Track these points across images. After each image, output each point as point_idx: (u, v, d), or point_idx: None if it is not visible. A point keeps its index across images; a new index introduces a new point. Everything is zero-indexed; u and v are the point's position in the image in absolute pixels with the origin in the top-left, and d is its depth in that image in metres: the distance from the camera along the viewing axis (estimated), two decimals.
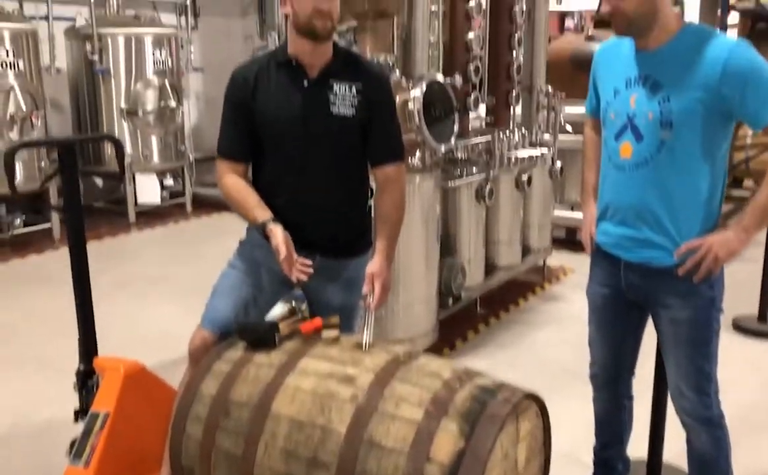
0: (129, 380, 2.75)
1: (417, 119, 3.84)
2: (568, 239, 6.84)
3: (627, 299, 2.46)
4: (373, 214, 2.69)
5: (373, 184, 2.67)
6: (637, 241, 2.35)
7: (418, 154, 3.94)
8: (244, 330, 2.41)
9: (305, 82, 2.45)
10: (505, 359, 4.32)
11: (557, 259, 6.27)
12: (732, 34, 10.35)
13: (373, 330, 2.35)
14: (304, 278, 2.37)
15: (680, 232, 2.30)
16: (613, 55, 2.46)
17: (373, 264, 2.46)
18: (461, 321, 4.83)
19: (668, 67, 2.24)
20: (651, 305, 2.43)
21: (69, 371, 3.06)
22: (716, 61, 2.15)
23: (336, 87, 2.45)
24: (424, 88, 3.91)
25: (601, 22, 7.16)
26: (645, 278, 2.38)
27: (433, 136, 4.08)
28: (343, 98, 2.45)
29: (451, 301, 4.62)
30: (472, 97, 4.82)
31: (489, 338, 4.67)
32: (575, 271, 6.12)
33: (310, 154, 2.49)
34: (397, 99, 3.92)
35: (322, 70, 2.45)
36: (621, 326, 2.55)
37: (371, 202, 2.72)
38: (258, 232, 2.40)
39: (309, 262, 2.38)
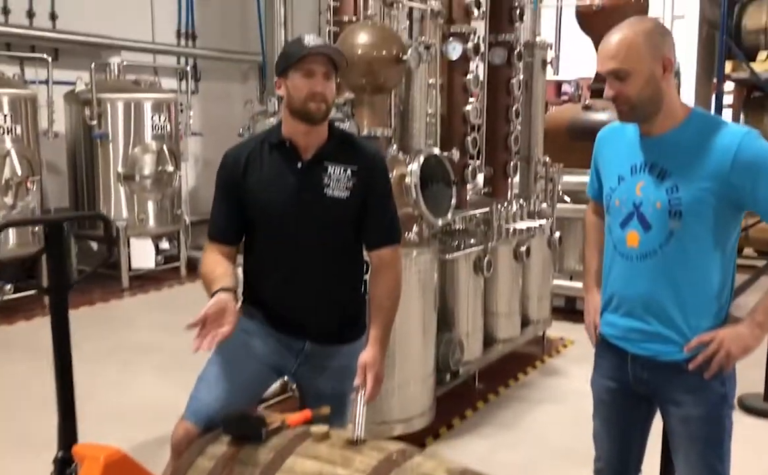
0: (109, 470, 2.60)
1: (414, 194, 3.77)
2: (568, 308, 6.73)
3: (634, 393, 2.35)
4: (367, 297, 2.60)
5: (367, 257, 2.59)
6: (645, 334, 2.25)
7: (415, 228, 3.86)
8: (230, 423, 2.29)
9: (299, 164, 2.40)
10: (505, 441, 4.17)
11: (557, 329, 6.15)
12: (728, 101, 10.44)
13: (367, 415, 2.24)
14: (204, 347, 2.24)
15: (690, 325, 2.20)
16: (617, 139, 2.40)
17: (367, 354, 2.35)
18: (459, 397, 4.69)
19: (676, 154, 2.17)
20: (660, 400, 2.31)
21: (48, 453, 2.93)
22: (726, 150, 2.08)
23: (330, 169, 2.40)
24: (421, 162, 3.85)
25: (597, 91, 7.19)
26: (653, 372, 2.27)
27: (431, 210, 4.02)
28: (338, 181, 2.39)
29: (448, 377, 4.49)
30: (470, 168, 4.78)
31: (488, 417, 4.52)
32: (575, 342, 5.99)
33: (303, 237, 2.42)
34: (394, 173, 3.88)
35: (317, 152, 2.40)
36: (628, 421, 2.43)
37: (366, 279, 2.64)
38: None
39: (224, 332, 2.24)
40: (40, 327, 6.42)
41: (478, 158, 5.02)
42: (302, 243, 2.41)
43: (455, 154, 4.12)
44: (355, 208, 2.42)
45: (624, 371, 2.34)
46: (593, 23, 7.13)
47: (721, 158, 2.09)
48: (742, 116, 9.90)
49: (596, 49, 7.31)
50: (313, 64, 2.28)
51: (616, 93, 2.19)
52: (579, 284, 6.80)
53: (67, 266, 2.73)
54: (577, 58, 7.57)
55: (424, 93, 4.28)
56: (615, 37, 2.16)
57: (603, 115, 6.93)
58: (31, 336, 6.23)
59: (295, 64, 2.29)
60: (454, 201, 4.10)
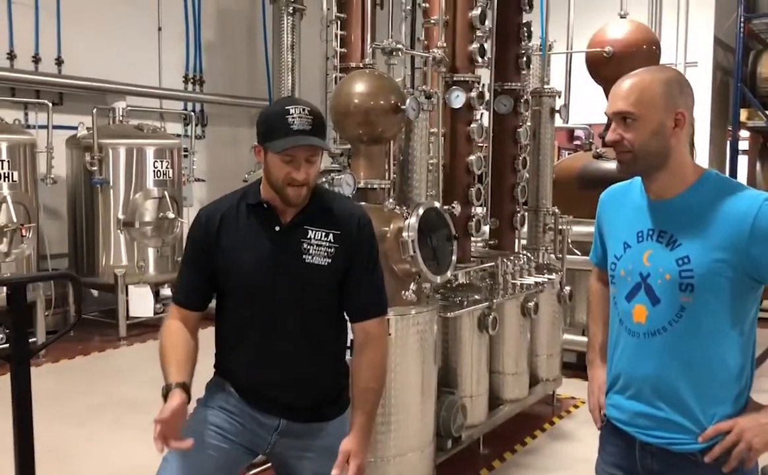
0: None
1: (411, 250, 3.56)
2: (580, 364, 6.43)
3: None
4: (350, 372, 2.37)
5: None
6: (655, 420, 2.01)
7: (413, 285, 3.64)
8: None
9: (277, 227, 2.22)
10: None
11: (568, 387, 5.86)
12: (743, 147, 10.23)
13: None
14: (164, 449, 2.06)
15: (705, 411, 1.95)
16: (622, 202, 2.18)
17: (350, 441, 2.14)
18: (462, 463, 4.41)
19: (686, 221, 1.95)
20: None
21: None
22: (744, 217, 1.86)
23: (311, 233, 2.22)
24: (420, 216, 3.65)
25: None
26: (664, 462, 2.01)
27: (431, 265, 3.80)
28: (318, 246, 2.21)
29: (449, 443, 4.22)
30: (474, 220, 4.57)
31: None
32: (587, 402, 5.69)
33: (279, 306, 2.22)
34: (391, 227, 3.68)
35: (297, 215, 2.22)
36: None
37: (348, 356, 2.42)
38: (162, 393, 2.14)
39: (187, 444, 2.06)
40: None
41: (482, 209, 4.82)
42: (278, 312, 2.22)
43: (457, 207, 3.91)
44: (336, 276, 2.23)
45: (632, 460, 2.09)
46: (603, 70, 6.95)
47: (738, 226, 1.87)
48: (758, 165, 9.68)
49: (606, 95, 7.12)
50: (295, 151, 2.12)
51: (619, 137, 1.98)
52: (581, 338, 6.53)
53: (27, 334, 2.52)
54: (587, 105, 7.37)
55: (424, 143, 4.11)
56: (630, 79, 1.97)
57: (614, 164, 6.71)
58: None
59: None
60: (454, 258, 3.88)
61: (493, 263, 4.68)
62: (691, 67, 8.97)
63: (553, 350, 5.57)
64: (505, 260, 4.74)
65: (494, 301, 4.55)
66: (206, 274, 2.26)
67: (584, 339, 6.50)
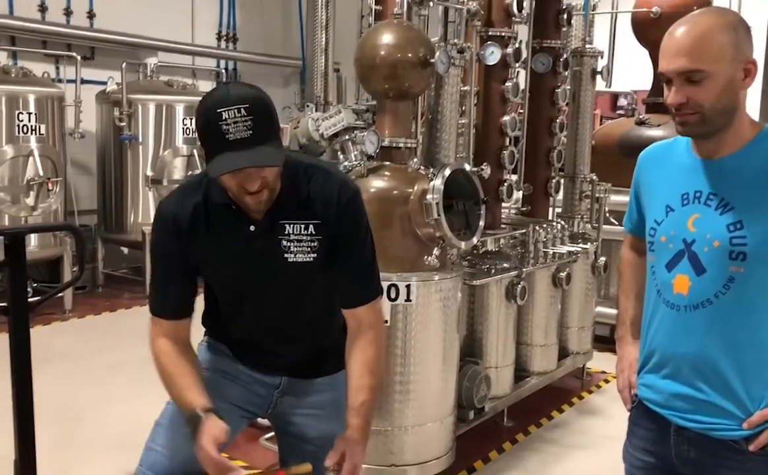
0: None
1: (435, 213, 3.37)
2: (612, 338, 6.18)
3: (677, 473, 1.90)
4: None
5: None
6: (694, 402, 1.81)
7: (436, 250, 3.45)
8: None
9: (252, 227, 1.95)
10: None
11: (599, 361, 5.63)
12: None
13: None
14: None
15: (752, 394, 1.75)
16: (664, 162, 1.97)
17: (347, 438, 1.94)
18: (484, 435, 4.25)
19: (741, 182, 1.73)
20: None
21: None
22: None
23: (289, 228, 1.96)
24: (446, 178, 3.45)
25: (653, 105, 6.66)
26: (703, 449, 1.82)
27: (457, 231, 3.61)
28: (299, 242, 1.97)
29: (472, 414, 4.06)
30: (506, 185, 4.34)
31: (514, 461, 4.07)
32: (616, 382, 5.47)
33: (268, 304, 2.05)
34: (416, 188, 3.49)
35: (270, 210, 1.94)
36: None
37: None
38: (188, 425, 1.90)
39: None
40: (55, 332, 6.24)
41: (515, 174, 4.59)
42: (268, 309, 2.06)
43: (486, 169, 3.70)
44: (324, 266, 2.02)
45: (665, 445, 1.90)
46: (650, 32, 6.58)
47: None
48: None
49: (653, 59, 6.76)
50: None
51: (688, 99, 1.73)
52: (612, 310, 6.27)
53: (26, 286, 2.41)
54: (632, 69, 7.02)
55: (455, 101, 3.88)
56: (688, 29, 1.72)
57: (658, 131, 6.41)
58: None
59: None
60: (482, 222, 3.68)
61: (524, 230, 4.46)
62: None
63: (585, 322, 5.35)
64: (537, 227, 4.51)
65: (524, 270, 4.35)
66: (187, 274, 2.01)
67: (609, 311, 6.29)
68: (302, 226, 1.96)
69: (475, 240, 3.65)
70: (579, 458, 4.15)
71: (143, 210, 7.67)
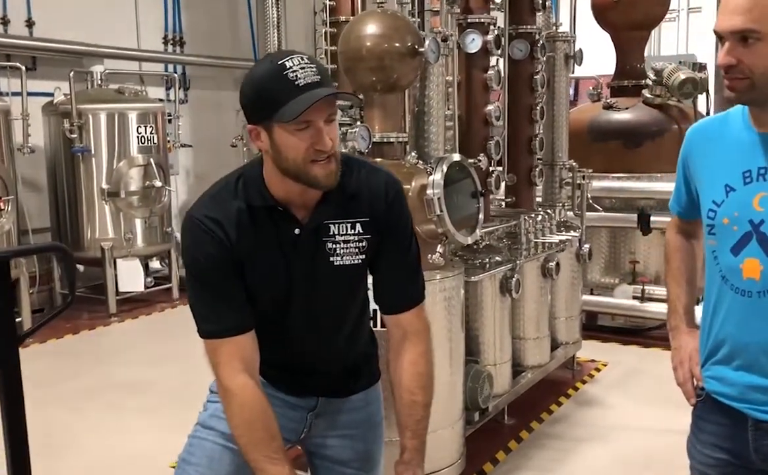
0: None
1: (438, 208, 3.21)
2: (590, 325, 6.15)
3: (758, 470, 1.78)
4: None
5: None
6: None
7: (439, 248, 3.29)
8: None
9: (296, 231, 1.76)
10: None
11: (585, 349, 5.58)
12: None
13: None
14: None
15: None
16: (717, 138, 1.84)
17: (407, 461, 1.82)
18: (488, 437, 4.12)
19: None
20: None
21: None
22: None
23: (334, 229, 1.78)
24: (445, 171, 3.29)
25: (620, 88, 6.66)
26: None
27: (455, 226, 3.46)
28: (346, 244, 1.79)
29: (476, 416, 3.92)
30: (494, 176, 4.21)
31: (523, 461, 3.94)
32: (608, 365, 5.44)
33: (310, 314, 1.85)
34: (413, 184, 3.32)
35: (316, 210, 1.76)
36: None
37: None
38: None
39: None
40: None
41: (500, 164, 4.47)
42: (311, 319, 1.86)
43: (483, 160, 3.56)
44: (368, 266, 1.87)
45: (741, 441, 1.78)
46: (611, 16, 6.60)
47: None
48: None
49: (615, 44, 6.75)
50: (312, 113, 1.62)
51: (735, 61, 1.61)
52: (602, 299, 6.28)
53: (13, 317, 2.15)
54: (594, 54, 6.99)
55: (441, 92, 3.74)
56: None
57: (626, 114, 6.41)
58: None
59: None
60: (481, 216, 3.54)
61: (515, 222, 4.35)
62: (694, 13, 8.63)
63: (573, 311, 5.28)
64: (527, 218, 4.40)
65: (518, 262, 4.23)
66: (241, 284, 1.76)
67: (596, 299, 6.28)
68: (348, 225, 1.79)
69: (478, 233, 3.51)
70: (587, 451, 4.05)
71: (100, 225, 7.30)
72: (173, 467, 3.92)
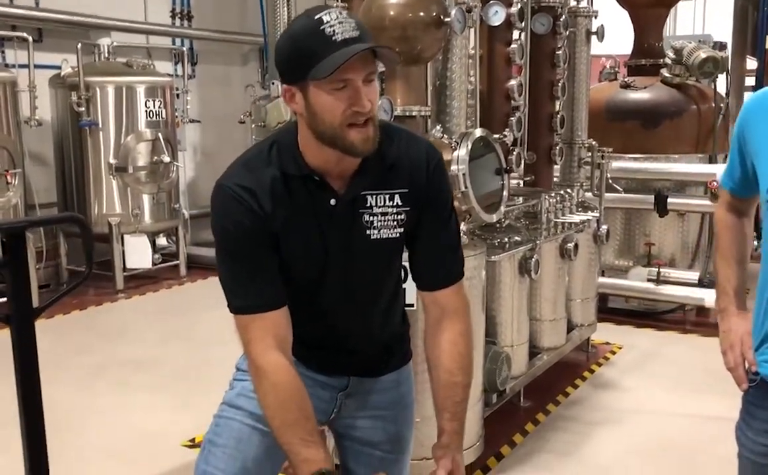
0: None
1: (463, 185, 3.12)
2: (602, 307, 6.05)
3: None
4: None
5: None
6: None
7: (463, 226, 3.20)
8: None
9: (332, 201, 1.66)
10: None
11: (598, 332, 5.50)
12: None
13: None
14: None
15: None
16: None
17: (446, 445, 1.71)
18: (505, 419, 4.04)
19: None
20: None
21: None
22: None
23: (371, 200, 1.68)
24: (470, 147, 3.19)
25: (637, 67, 6.53)
26: None
27: (478, 203, 3.37)
28: (384, 216, 1.69)
29: (494, 398, 3.85)
30: (515, 153, 4.11)
31: (541, 443, 3.87)
32: (623, 348, 5.36)
33: (344, 290, 1.76)
34: None
35: (352, 181, 1.66)
36: None
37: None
38: None
39: None
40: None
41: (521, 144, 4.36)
42: (345, 295, 1.76)
43: (509, 136, 3.46)
44: (406, 240, 1.77)
45: None
46: None
47: None
48: None
49: (633, 21, 6.63)
50: (350, 71, 1.51)
51: None
52: (617, 281, 6.19)
53: (30, 286, 2.07)
54: (611, 33, 6.86)
55: (464, 65, 3.62)
56: None
57: (644, 93, 6.29)
58: None
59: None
60: (506, 194, 3.45)
61: (535, 201, 4.25)
62: None
63: (589, 293, 5.20)
64: (547, 197, 4.30)
65: (538, 242, 4.14)
66: (275, 257, 1.65)
67: (611, 281, 6.18)
68: (386, 196, 1.68)
69: (502, 211, 3.41)
70: (604, 435, 3.98)
71: (107, 200, 7.22)
72: (185, 445, 3.92)
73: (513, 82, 4.12)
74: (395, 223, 1.70)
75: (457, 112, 3.60)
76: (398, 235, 1.71)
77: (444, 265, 1.78)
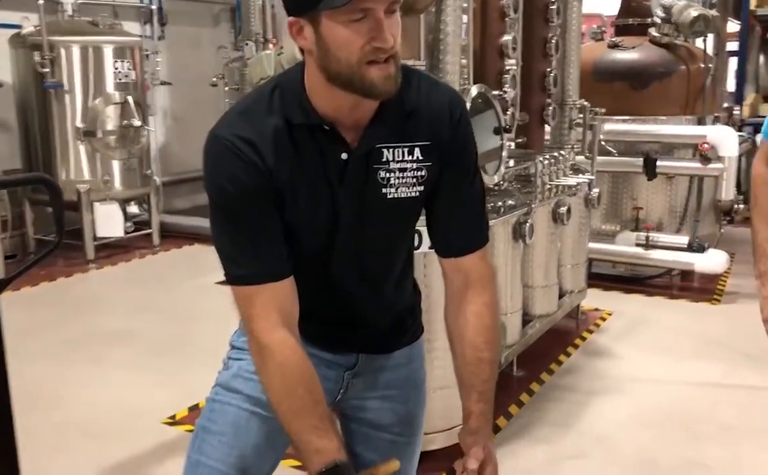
0: None
1: None
2: (593, 273, 5.96)
3: None
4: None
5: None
6: None
7: None
8: None
9: (343, 155, 1.44)
10: (567, 449, 3.40)
11: (587, 298, 5.39)
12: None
13: None
14: None
15: None
16: None
17: (475, 430, 1.54)
18: (498, 390, 3.82)
19: None
20: None
21: None
22: None
23: (388, 154, 1.46)
24: (469, 105, 3.00)
25: (624, 26, 6.37)
26: None
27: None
28: (402, 171, 1.47)
29: None
30: (509, 113, 3.92)
31: (537, 415, 3.75)
32: (613, 314, 5.26)
33: (355, 256, 1.55)
34: None
35: (368, 132, 1.44)
36: None
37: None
38: None
39: None
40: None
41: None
42: (357, 262, 1.56)
43: (509, 92, 3.27)
44: (425, 200, 1.56)
45: None
46: None
47: None
48: (761, 58, 9.16)
49: None
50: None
51: None
52: (606, 246, 6.07)
53: None
54: None
55: (459, 18, 3.42)
56: None
57: (633, 54, 6.13)
58: None
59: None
60: (505, 154, 3.27)
61: (529, 163, 4.08)
62: None
63: (579, 259, 5.06)
64: (542, 159, 4.13)
65: (533, 206, 3.98)
66: (278, 218, 1.43)
67: (599, 246, 6.05)
68: (405, 150, 1.46)
69: (503, 171, 3.23)
70: (602, 404, 3.86)
71: (76, 167, 6.90)
72: (166, 423, 3.72)
73: (507, 38, 3.91)
74: (414, 180, 1.49)
75: (451, 67, 3.40)
76: (417, 194, 1.51)
77: (468, 229, 1.59)
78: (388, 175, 1.47)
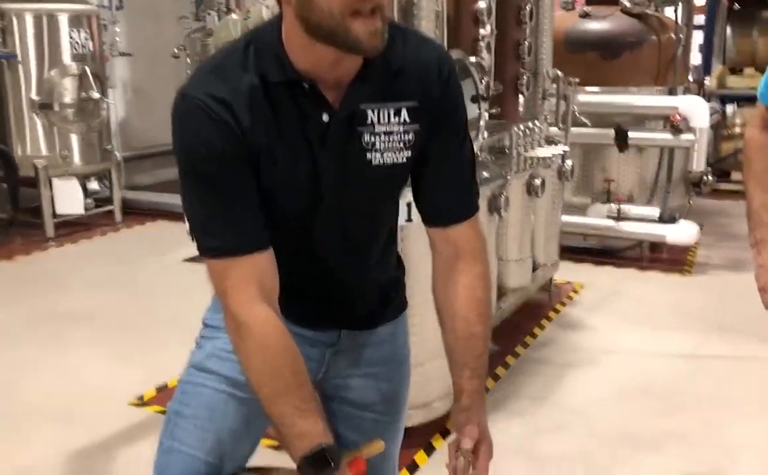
0: None
1: None
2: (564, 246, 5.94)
3: None
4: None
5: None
6: None
7: None
8: None
9: (325, 116, 1.33)
10: (544, 423, 3.36)
11: (558, 271, 5.37)
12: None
13: None
14: None
15: None
16: None
17: (469, 408, 1.48)
18: None
19: None
20: None
21: None
22: None
23: (373, 116, 1.35)
24: None
25: None
26: None
27: None
28: (387, 135, 1.36)
29: None
30: (484, 82, 3.82)
31: (514, 388, 3.70)
32: (585, 287, 5.25)
33: (337, 226, 1.45)
34: None
35: (350, 91, 1.33)
36: None
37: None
38: (306, 465, 1.29)
39: None
40: None
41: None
42: (339, 233, 1.45)
43: (486, 58, 3.17)
44: (412, 166, 1.45)
45: None
46: None
47: None
48: (728, 30, 9.20)
49: None
50: None
51: None
52: (578, 219, 6.03)
53: None
54: None
55: None
56: None
57: (603, 23, 6.07)
58: None
59: None
60: (482, 124, 3.17)
61: (504, 134, 4.00)
62: None
63: (552, 231, 5.02)
64: (517, 130, 4.05)
65: (508, 178, 3.90)
66: (254, 184, 1.32)
67: (571, 219, 6.01)
68: (391, 111, 1.35)
69: (481, 141, 3.14)
70: (577, 377, 3.84)
71: (32, 141, 6.63)
72: (133, 405, 3.59)
73: (482, 4, 3.80)
74: (402, 144, 1.38)
75: (426, 34, 3.28)
76: (405, 159, 1.40)
77: (458, 195, 1.49)
78: (373, 139, 1.36)
